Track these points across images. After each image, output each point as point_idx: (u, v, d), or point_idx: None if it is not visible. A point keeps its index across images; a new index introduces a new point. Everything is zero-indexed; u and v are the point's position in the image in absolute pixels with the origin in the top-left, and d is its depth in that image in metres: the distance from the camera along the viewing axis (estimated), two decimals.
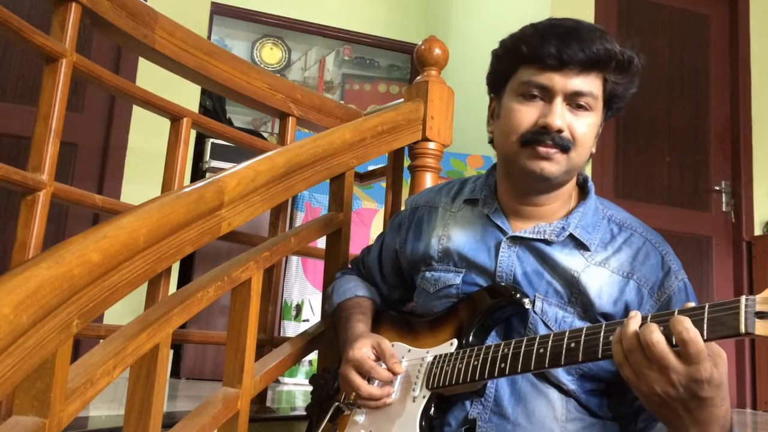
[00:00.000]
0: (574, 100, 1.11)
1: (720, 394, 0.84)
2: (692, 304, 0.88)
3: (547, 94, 1.11)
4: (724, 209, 3.78)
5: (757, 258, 3.63)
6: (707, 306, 0.84)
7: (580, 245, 1.16)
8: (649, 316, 0.88)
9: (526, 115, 1.12)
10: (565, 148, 1.11)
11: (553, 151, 1.10)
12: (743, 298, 0.81)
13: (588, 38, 1.09)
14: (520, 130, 1.12)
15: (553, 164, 1.12)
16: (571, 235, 1.16)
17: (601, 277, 1.13)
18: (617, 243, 1.17)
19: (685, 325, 0.82)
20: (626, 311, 1.11)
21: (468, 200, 1.28)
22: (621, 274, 1.14)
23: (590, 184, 1.23)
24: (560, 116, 1.10)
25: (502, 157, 1.20)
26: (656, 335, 0.84)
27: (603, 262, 1.15)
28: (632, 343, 0.86)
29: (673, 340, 0.83)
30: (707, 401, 0.84)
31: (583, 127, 1.12)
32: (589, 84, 1.11)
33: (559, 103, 1.10)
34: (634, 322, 0.87)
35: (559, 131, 1.10)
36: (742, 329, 0.79)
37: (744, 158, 3.77)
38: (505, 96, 1.17)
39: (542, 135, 1.10)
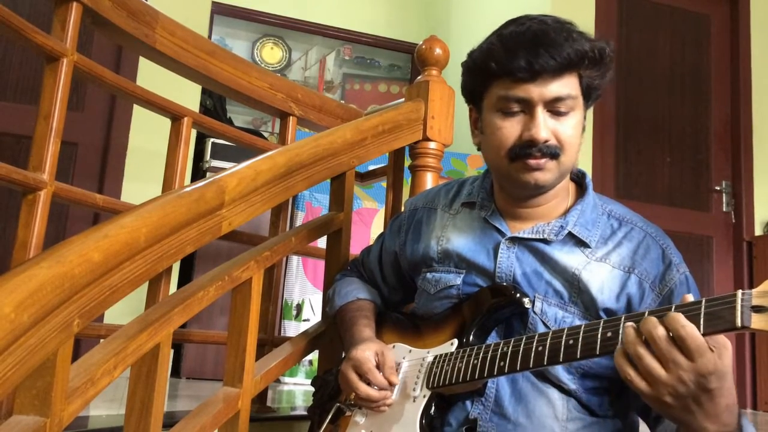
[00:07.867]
0: (554, 106, 1.09)
1: (725, 384, 0.85)
2: (691, 297, 0.88)
3: (527, 106, 1.10)
4: (724, 209, 3.78)
5: (758, 258, 3.63)
6: (704, 300, 0.85)
7: (580, 243, 1.16)
8: (646, 312, 0.89)
9: (510, 130, 1.11)
10: (554, 155, 1.10)
11: (543, 161, 1.10)
12: (739, 292, 0.81)
13: (557, 42, 1.06)
14: (507, 146, 1.12)
15: (546, 173, 1.12)
16: (570, 234, 1.16)
17: (602, 273, 1.13)
18: (618, 238, 1.17)
19: (681, 323, 0.83)
20: (628, 306, 1.12)
21: (465, 203, 1.28)
22: (622, 268, 1.14)
23: (588, 180, 1.23)
24: (544, 127, 1.09)
25: (494, 171, 1.21)
26: (660, 330, 0.85)
27: (604, 257, 1.15)
28: (636, 348, 0.86)
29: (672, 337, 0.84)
30: (715, 392, 0.85)
31: (568, 129, 1.11)
32: (566, 86, 1.09)
33: (540, 112, 1.09)
34: (631, 330, 0.88)
35: (546, 141, 1.09)
36: (738, 323, 0.80)
37: (744, 158, 3.77)
38: (485, 111, 1.16)
39: (530, 148, 1.09)
